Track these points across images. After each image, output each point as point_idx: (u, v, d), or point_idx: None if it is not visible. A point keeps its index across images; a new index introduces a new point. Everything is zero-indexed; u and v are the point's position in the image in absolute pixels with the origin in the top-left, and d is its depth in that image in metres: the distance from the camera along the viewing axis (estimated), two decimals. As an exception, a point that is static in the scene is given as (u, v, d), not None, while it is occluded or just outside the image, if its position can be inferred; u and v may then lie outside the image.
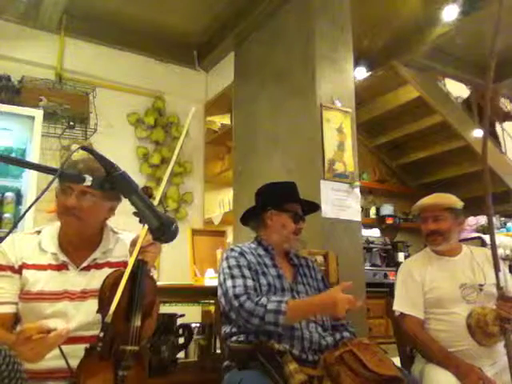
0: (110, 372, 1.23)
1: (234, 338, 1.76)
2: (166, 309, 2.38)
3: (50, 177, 1.10)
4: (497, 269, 1.76)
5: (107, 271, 1.44)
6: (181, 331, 2.39)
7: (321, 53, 3.08)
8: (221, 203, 4.25)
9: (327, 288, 2.00)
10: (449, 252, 2.12)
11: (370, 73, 4.49)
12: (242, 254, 1.86)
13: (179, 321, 2.41)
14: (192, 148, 4.37)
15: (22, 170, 3.09)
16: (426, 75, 4.68)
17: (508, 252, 4.16)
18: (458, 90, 5.11)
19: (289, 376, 1.53)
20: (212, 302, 2.60)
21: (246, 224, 2.09)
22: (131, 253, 1.38)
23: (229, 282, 1.76)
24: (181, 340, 2.40)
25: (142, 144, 4.18)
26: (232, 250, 1.90)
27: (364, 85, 4.39)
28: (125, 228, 1.66)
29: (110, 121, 4.02)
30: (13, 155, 3.07)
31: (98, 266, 1.52)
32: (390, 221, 5.15)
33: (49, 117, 3.58)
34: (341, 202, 2.90)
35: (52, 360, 1.28)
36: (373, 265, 4.38)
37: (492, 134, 5.00)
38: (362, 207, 3.94)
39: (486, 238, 3.56)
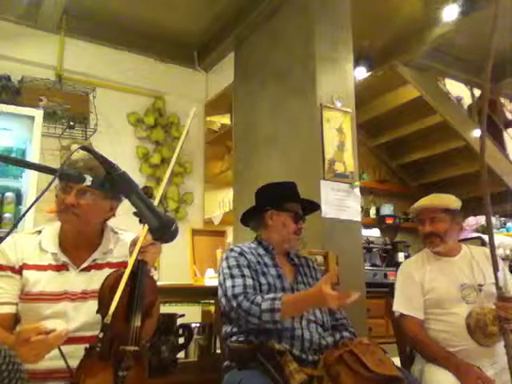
0: (110, 372, 1.23)
1: (234, 338, 1.77)
2: (165, 309, 2.38)
3: (50, 177, 1.10)
4: (495, 269, 1.76)
5: (107, 271, 1.44)
6: (181, 331, 2.39)
7: (321, 53, 3.08)
8: (221, 203, 4.25)
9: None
10: (448, 252, 2.12)
11: (370, 73, 4.49)
12: (241, 253, 1.86)
13: (179, 321, 2.41)
14: (192, 148, 4.37)
15: (22, 170, 3.09)
16: (425, 75, 4.68)
17: (508, 252, 4.15)
18: (457, 90, 5.11)
19: (289, 376, 1.53)
20: (212, 301, 2.60)
21: (246, 224, 2.09)
22: (131, 253, 1.38)
23: (228, 282, 1.77)
24: (181, 340, 2.40)
25: (142, 144, 4.18)
26: (232, 250, 1.90)
27: (364, 85, 4.39)
28: (125, 228, 1.66)
29: (110, 121, 4.02)
30: (13, 155, 3.07)
31: (99, 267, 1.52)
32: (389, 221, 5.15)
33: (49, 117, 3.59)
34: (341, 202, 2.90)
35: (51, 360, 1.28)
36: (373, 265, 4.38)
37: (497, 139, 5.00)
38: (361, 207, 3.95)
39: (486, 237, 3.55)
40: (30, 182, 3.00)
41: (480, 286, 2.00)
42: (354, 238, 2.95)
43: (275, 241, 1.95)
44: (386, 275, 4.08)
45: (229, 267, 1.81)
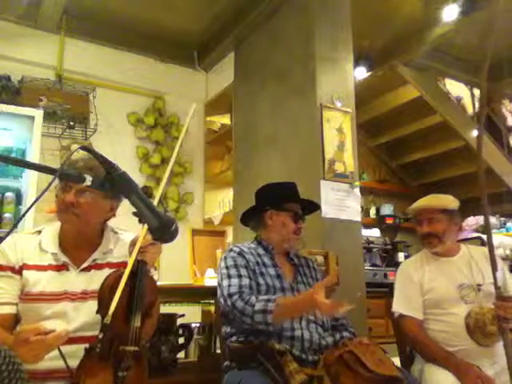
0: (110, 373, 1.23)
1: (234, 338, 1.77)
2: (165, 309, 2.38)
3: (50, 177, 1.10)
4: (494, 268, 1.76)
5: (107, 272, 1.44)
6: (181, 331, 2.40)
7: (321, 53, 3.08)
8: (221, 203, 4.25)
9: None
10: (447, 252, 2.11)
11: (370, 73, 4.48)
12: (240, 253, 1.86)
13: (179, 321, 2.41)
14: (192, 148, 4.37)
15: (22, 170, 3.09)
16: (425, 75, 4.68)
17: (508, 252, 4.16)
18: (457, 90, 5.11)
19: (289, 376, 1.53)
20: (212, 301, 2.60)
21: (245, 224, 2.09)
22: (131, 253, 1.38)
23: (225, 282, 1.77)
24: (181, 340, 2.41)
25: (142, 144, 4.18)
26: (231, 250, 1.90)
27: (364, 85, 4.39)
28: (125, 228, 1.66)
29: (110, 121, 4.02)
30: (13, 155, 3.07)
31: (99, 267, 1.52)
32: (389, 221, 5.14)
33: (49, 117, 3.59)
34: (341, 202, 2.90)
35: (51, 360, 1.28)
36: (373, 265, 4.38)
37: (499, 141, 5.00)
38: (362, 207, 3.95)
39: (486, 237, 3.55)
40: (30, 182, 3.00)
41: (479, 285, 1.99)
42: (353, 238, 2.95)
43: (275, 241, 1.95)
44: (385, 275, 4.08)
45: (226, 267, 1.82)
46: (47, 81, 3.72)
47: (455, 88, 5.08)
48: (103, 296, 1.35)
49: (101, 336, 1.24)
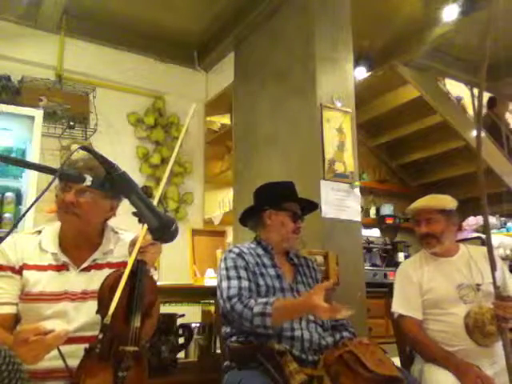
0: (110, 373, 1.23)
1: (234, 338, 1.77)
2: (165, 309, 2.38)
3: (50, 177, 1.10)
4: (493, 268, 1.76)
5: (108, 272, 1.44)
6: (181, 331, 2.40)
7: (321, 53, 3.08)
8: (221, 203, 4.25)
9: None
10: (445, 253, 2.12)
11: (370, 73, 4.48)
12: (240, 254, 1.86)
13: (179, 321, 2.41)
14: (192, 148, 4.37)
15: (22, 170, 3.09)
16: (426, 75, 4.68)
17: (508, 252, 4.15)
18: (457, 90, 5.11)
19: (289, 376, 1.53)
20: (212, 301, 2.60)
21: (244, 224, 2.09)
22: (131, 253, 1.38)
23: (224, 284, 1.77)
24: (181, 340, 2.41)
25: (142, 144, 4.18)
26: (230, 250, 1.90)
27: (364, 85, 4.39)
28: (125, 228, 1.66)
29: (110, 121, 4.02)
30: (13, 155, 3.07)
31: (99, 267, 1.52)
32: (389, 221, 5.14)
33: (49, 117, 3.59)
34: (341, 202, 2.90)
35: (51, 360, 1.28)
36: (373, 265, 4.38)
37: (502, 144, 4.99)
38: (362, 207, 3.95)
39: (486, 237, 3.55)
40: (30, 182, 3.00)
41: (478, 285, 2.00)
42: (353, 238, 2.95)
43: (274, 240, 1.95)
44: (385, 275, 4.08)
45: (226, 268, 1.82)
46: (47, 81, 3.72)
47: (455, 88, 5.07)
48: (103, 296, 1.35)
49: (101, 336, 1.24)
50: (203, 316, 2.93)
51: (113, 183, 1.17)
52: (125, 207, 1.39)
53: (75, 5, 3.75)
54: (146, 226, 1.26)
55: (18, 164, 1.36)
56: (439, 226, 2.07)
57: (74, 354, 1.30)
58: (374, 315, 3.25)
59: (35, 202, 1.15)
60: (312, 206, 2.10)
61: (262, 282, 1.80)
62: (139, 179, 3.98)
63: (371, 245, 4.48)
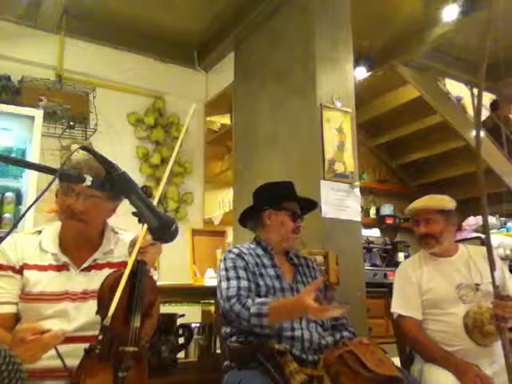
0: (110, 373, 1.23)
1: (234, 338, 1.77)
2: (165, 309, 2.38)
3: (50, 177, 1.10)
4: (492, 268, 1.76)
5: (108, 271, 1.44)
6: (181, 331, 2.40)
7: (321, 53, 3.08)
8: (221, 203, 4.25)
9: (327, 289, 2.00)
10: (444, 253, 2.12)
11: (370, 73, 4.48)
12: (239, 255, 1.86)
13: (179, 321, 2.41)
14: (192, 148, 4.37)
15: (22, 170, 3.09)
16: (425, 75, 4.68)
17: (508, 252, 4.15)
18: (457, 90, 5.11)
19: (289, 376, 1.54)
20: (212, 301, 2.60)
21: (244, 225, 2.08)
22: (130, 253, 1.38)
23: (223, 284, 1.77)
24: (181, 340, 2.41)
25: (142, 144, 4.18)
26: (230, 251, 1.90)
27: (364, 85, 4.39)
28: (125, 228, 1.66)
29: (110, 121, 4.02)
30: (13, 155, 3.07)
31: (99, 267, 1.52)
32: (389, 221, 5.14)
33: (49, 117, 3.58)
34: (341, 202, 2.89)
35: (49, 359, 1.28)
36: (373, 265, 4.38)
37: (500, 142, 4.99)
38: (361, 207, 3.95)
39: (486, 237, 3.55)
40: (30, 182, 3.00)
41: (477, 285, 2.00)
42: (353, 238, 2.95)
43: (274, 240, 1.95)
44: (385, 275, 4.07)
45: (225, 269, 1.82)
46: (47, 81, 3.72)
47: (455, 88, 5.07)
48: (103, 296, 1.35)
49: (100, 337, 1.24)
50: (203, 316, 2.93)
51: (113, 183, 1.17)
52: (125, 207, 1.39)
53: (75, 5, 3.75)
54: (145, 225, 1.26)
55: (18, 164, 1.36)
56: (438, 226, 2.07)
57: (75, 354, 1.30)
58: (374, 315, 3.25)
59: (35, 201, 1.15)
60: (311, 205, 2.09)
61: (261, 283, 1.80)
62: (139, 179, 3.98)
63: (371, 245, 4.48)
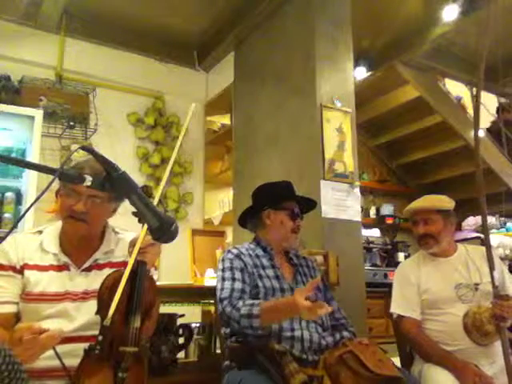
0: (110, 373, 1.23)
1: (234, 338, 1.77)
2: (165, 309, 2.38)
3: (50, 177, 1.10)
4: (491, 267, 1.76)
5: (108, 272, 1.44)
6: (181, 331, 2.39)
7: (321, 53, 3.08)
8: (221, 203, 4.25)
9: (327, 288, 2.00)
10: (443, 253, 2.12)
11: (370, 73, 4.48)
12: (238, 255, 1.86)
13: (179, 321, 2.41)
14: (192, 148, 4.37)
15: (22, 170, 3.09)
16: (426, 75, 4.68)
17: (508, 252, 4.16)
18: (457, 90, 5.11)
19: (289, 376, 1.53)
20: (212, 301, 2.60)
21: (243, 226, 2.08)
22: (130, 253, 1.38)
23: (219, 285, 1.77)
24: (181, 340, 2.40)
25: (142, 144, 4.18)
26: (229, 251, 1.89)
27: (364, 85, 4.39)
28: (125, 228, 1.66)
29: (110, 121, 4.02)
30: (13, 155, 3.07)
31: (100, 267, 1.52)
32: (389, 221, 5.14)
33: (49, 117, 3.59)
34: (341, 202, 2.90)
35: (48, 359, 1.28)
36: (373, 265, 4.38)
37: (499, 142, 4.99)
38: (361, 207, 3.95)
39: (486, 237, 3.55)
40: (30, 182, 3.00)
41: (476, 285, 2.00)
42: (353, 238, 2.95)
43: (274, 240, 1.95)
44: (385, 275, 4.08)
45: (222, 269, 1.82)
46: (47, 81, 3.72)
47: (455, 88, 5.07)
48: (103, 297, 1.35)
49: (100, 338, 1.24)
50: (203, 316, 2.93)
51: (113, 183, 1.17)
52: (125, 207, 1.39)
53: (75, 5, 3.76)
54: (145, 226, 1.26)
55: (18, 164, 1.35)
56: (437, 226, 2.07)
57: (75, 354, 1.30)
58: (374, 315, 3.26)
59: (35, 201, 1.14)
60: (311, 204, 2.09)
61: (260, 284, 1.80)
62: (139, 179, 3.98)
63: (371, 245, 4.49)
